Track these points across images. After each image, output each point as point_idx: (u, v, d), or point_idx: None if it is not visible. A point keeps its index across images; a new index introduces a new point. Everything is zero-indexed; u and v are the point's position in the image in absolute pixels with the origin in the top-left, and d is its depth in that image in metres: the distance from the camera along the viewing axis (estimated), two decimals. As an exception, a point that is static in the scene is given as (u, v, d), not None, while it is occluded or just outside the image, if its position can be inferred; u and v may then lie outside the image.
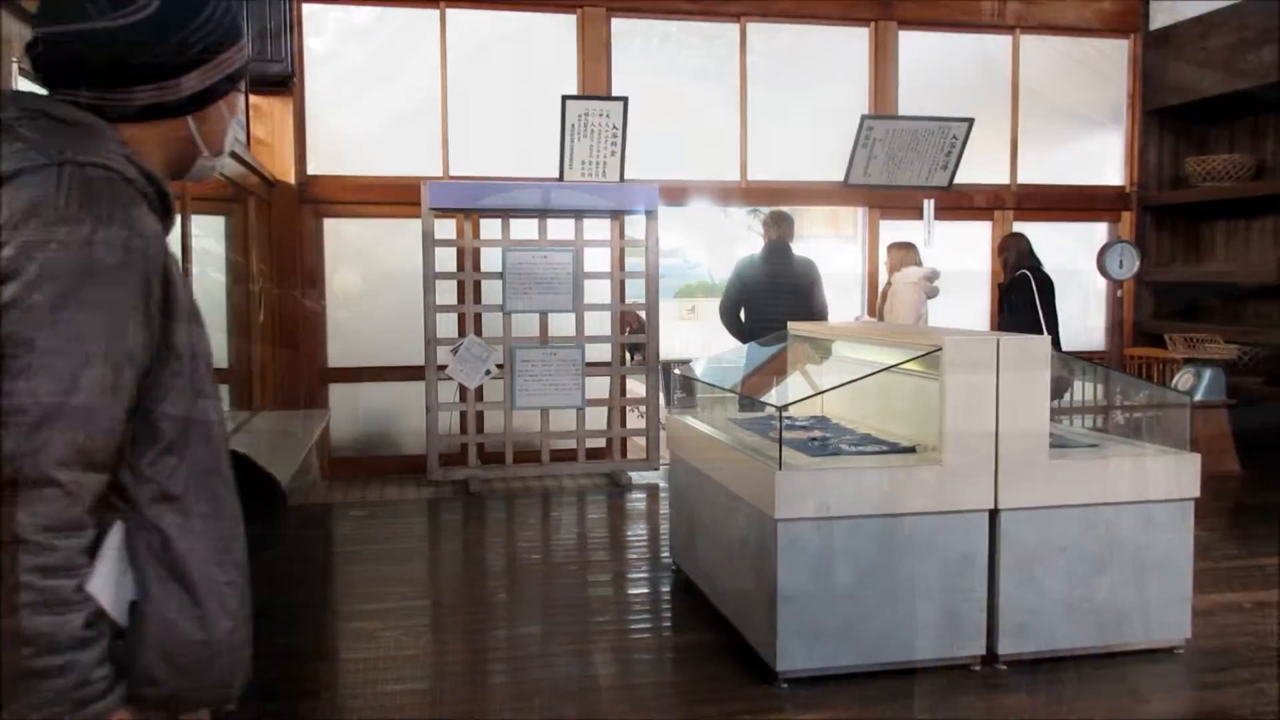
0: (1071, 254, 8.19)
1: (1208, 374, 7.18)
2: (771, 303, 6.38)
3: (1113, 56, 8.40)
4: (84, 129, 1.25)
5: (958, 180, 7.88)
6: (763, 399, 5.18)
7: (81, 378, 1.15)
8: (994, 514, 3.63)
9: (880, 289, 7.54)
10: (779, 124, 7.84)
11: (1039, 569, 3.65)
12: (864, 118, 7.53)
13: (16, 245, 1.14)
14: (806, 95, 7.90)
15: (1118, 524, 3.70)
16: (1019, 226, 8.11)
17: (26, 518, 1.12)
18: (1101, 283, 8.09)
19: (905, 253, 7.22)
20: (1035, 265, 7.02)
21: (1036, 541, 3.65)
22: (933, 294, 7.07)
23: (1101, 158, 8.50)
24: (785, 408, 3.77)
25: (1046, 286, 6.92)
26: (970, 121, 7.61)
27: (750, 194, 7.98)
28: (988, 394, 3.58)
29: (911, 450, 3.86)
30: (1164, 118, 8.33)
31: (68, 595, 1.15)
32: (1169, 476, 3.75)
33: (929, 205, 7.69)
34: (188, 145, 1.37)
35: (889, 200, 7.98)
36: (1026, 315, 6.83)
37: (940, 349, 3.58)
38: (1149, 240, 8.33)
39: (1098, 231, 8.45)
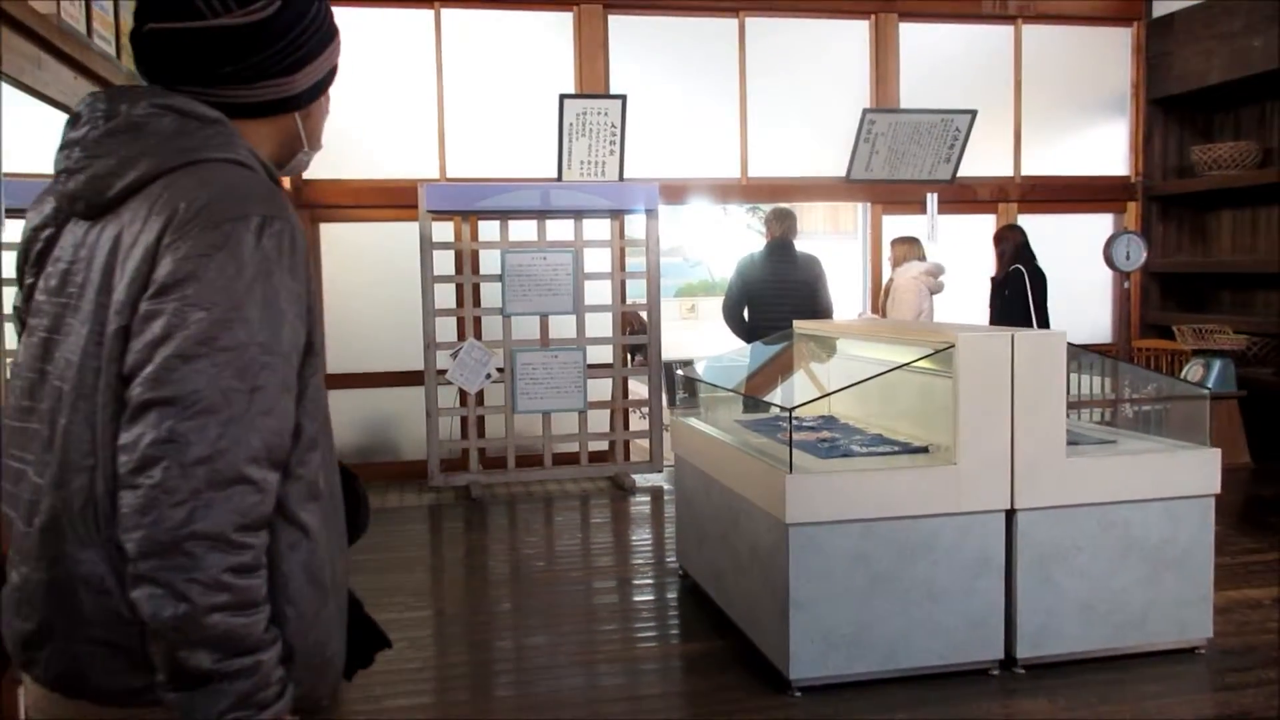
0: (1076, 246, 8.10)
1: (1217, 365, 7.09)
2: (775, 301, 6.29)
3: (1115, 45, 8.30)
4: (214, 125, 1.25)
5: (961, 173, 7.80)
6: (771, 400, 5.09)
7: (263, 374, 1.14)
8: (1010, 514, 3.54)
9: (883, 285, 7.45)
10: (779, 119, 7.74)
11: (1057, 570, 3.57)
12: (866, 111, 7.46)
13: (186, 246, 1.13)
14: (807, 90, 7.80)
15: (1137, 522, 3.62)
16: (1023, 219, 8.03)
17: (223, 516, 1.10)
18: (1105, 274, 8.00)
19: (908, 247, 7.13)
20: (1030, 259, 6.94)
21: (1054, 542, 3.56)
22: (937, 289, 6.97)
23: (1105, 148, 8.39)
24: (794, 409, 3.68)
25: (1039, 282, 6.84)
26: (973, 114, 7.53)
27: (751, 191, 7.89)
28: (1002, 392, 3.49)
29: (924, 450, 3.77)
30: (1168, 106, 8.23)
31: (256, 595, 1.14)
32: (1189, 472, 3.66)
33: (932, 199, 7.60)
34: (294, 140, 1.39)
35: (892, 195, 7.89)
36: (1019, 310, 6.76)
37: (953, 346, 3.50)
38: (1154, 231, 8.23)
39: (1102, 223, 8.36)
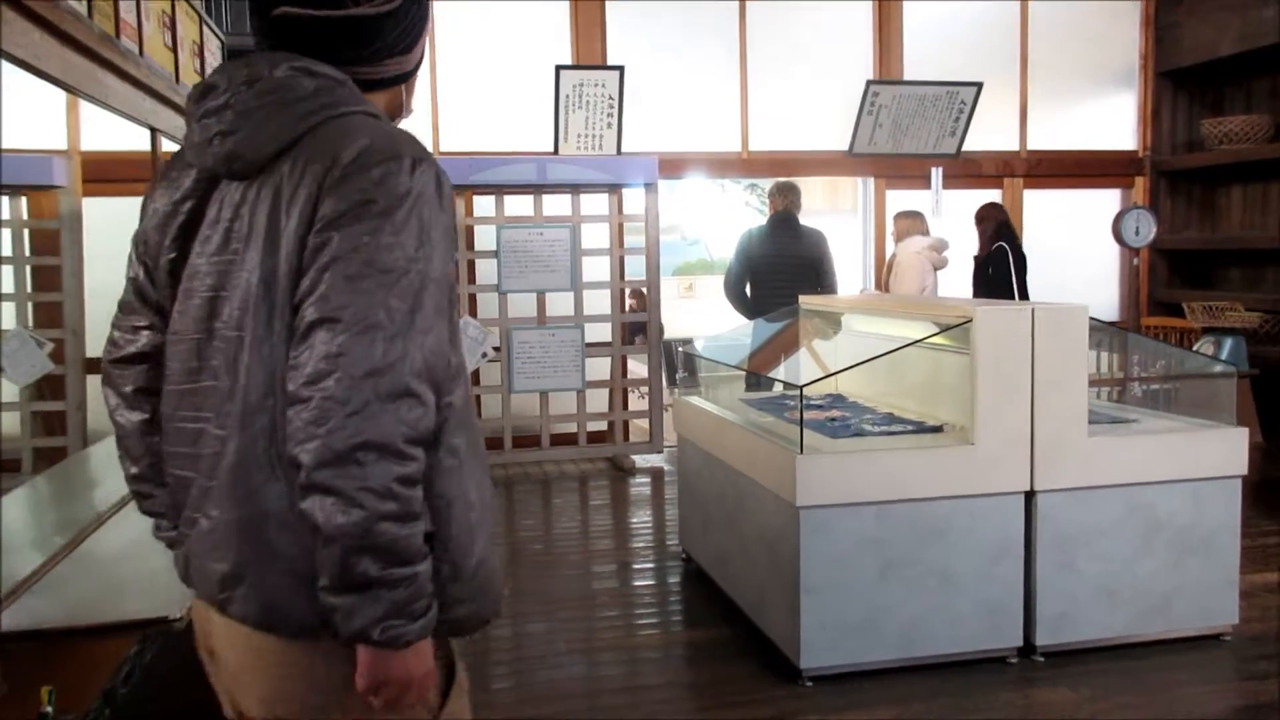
0: (1082, 221, 7.94)
1: (1228, 343, 6.95)
2: (778, 276, 6.12)
3: (1124, 16, 8.11)
4: (345, 85, 1.35)
5: (966, 147, 7.63)
6: (779, 377, 4.94)
7: (421, 295, 1.21)
8: (1030, 496, 3.39)
9: (887, 260, 7.29)
10: (780, 92, 7.55)
11: (1078, 554, 3.42)
12: (869, 83, 7.28)
13: (348, 185, 1.22)
14: (809, 61, 7.61)
15: (1161, 504, 3.47)
16: (1029, 194, 7.88)
17: (392, 427, 1.16)
18: (1111, 250, 7.84)
19: (911, 221, 6.97)
20: (1012, 238, 6.79)
21: (1075, 524, 3.41)
22: (941, 264, 6.82)
23: (1113, 122, 8.22)
24: (805, 387, 3.51)
25: (1021, 261, 6.70)
26: (979, 86, 7.35)
27: (751, 165, 7.71)
28: (1022, 368, 3.34)
29: (939, 429, 3.62)
30: (1177, 79, 8.06)
31: (418, 507, 1.20)
32: (1215, 452, 3.51)
33: (937, 173, 7.44)
34: (399, 107, 1.51)
35: (895, 169, 7.71)
36: (1003, 288, 6.61)
37: (971, 321, 3.34)
38: (1163, 206, 8.07)
39: (1109, 198, 8.19)
